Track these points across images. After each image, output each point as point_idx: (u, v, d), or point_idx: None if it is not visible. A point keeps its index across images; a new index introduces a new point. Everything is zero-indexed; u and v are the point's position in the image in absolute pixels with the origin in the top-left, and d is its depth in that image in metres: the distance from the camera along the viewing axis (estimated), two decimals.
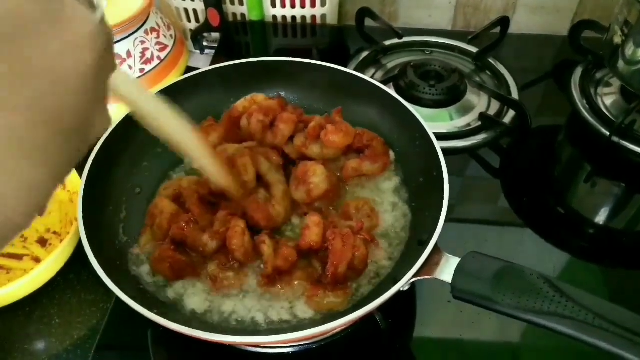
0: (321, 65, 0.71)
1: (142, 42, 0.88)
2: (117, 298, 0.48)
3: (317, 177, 0.59)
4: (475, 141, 0.79)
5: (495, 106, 0.84)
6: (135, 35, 0.86)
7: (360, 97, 0.70)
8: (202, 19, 1.03)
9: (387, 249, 0.58)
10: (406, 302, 0.62)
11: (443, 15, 1.07)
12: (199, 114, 0.65)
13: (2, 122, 0.21)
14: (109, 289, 0.48)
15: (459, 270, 0.49)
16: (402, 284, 0.49)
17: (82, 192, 0.56)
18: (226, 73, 0.71)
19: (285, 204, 0.59)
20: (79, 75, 0.24)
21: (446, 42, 0.96)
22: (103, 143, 0.60)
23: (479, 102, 0.85)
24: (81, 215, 0.54)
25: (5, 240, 0.23)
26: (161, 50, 0.90)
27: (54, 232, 0.68)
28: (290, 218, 0.61)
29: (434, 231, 0.52)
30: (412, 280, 0.50)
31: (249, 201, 0.58)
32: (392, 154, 0.67)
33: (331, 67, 0.70)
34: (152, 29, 0.90)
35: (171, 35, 0.94)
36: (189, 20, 1.05)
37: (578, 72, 0.87)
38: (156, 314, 0.47)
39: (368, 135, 0.66)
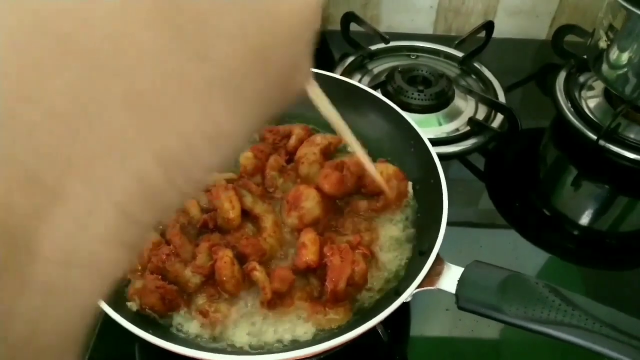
0: (317, 73, 0.69)
1: None
2: (105, 315, 0.45)
3: (309, 202, 0.57)
4: (464, 146, 0.79)
5: (483, 111, 0.84)
6: None
7: (349, 104, 0.68)
8: None
9: (387, 261, 0.57)
10: (402, 310, 0.61)
11: (425, 18, 1.07)
12: None
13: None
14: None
15: (462, 280, 0.48)
16: (405, 297, 0.48)
17: None
18: None
19: (277, 235, 0.57)
20: (300, 17, 0.21)
21: (432, 46, 0.96)
22: None
23: (466, 107, 0.86)
24: None
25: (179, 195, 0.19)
26: None
27: None
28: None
29: (435, 241, 0.51)
30: (415, 292, 0.49)
31: (236, 237, 0.55)
32: (410, 187, 0.62)
33: (318, 73, 0.69)
34: None
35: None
36: None
37: (562, 75, 0.89)
38: (151, 334, 0.45)
39: (386, 172, 0.60)
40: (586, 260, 0.70)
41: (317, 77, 0.68)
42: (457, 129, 0.82)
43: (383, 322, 0.57)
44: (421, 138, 0.61)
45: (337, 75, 0.69)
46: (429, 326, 0.61)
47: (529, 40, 1.05)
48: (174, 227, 0.55)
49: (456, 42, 0.92)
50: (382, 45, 0.94)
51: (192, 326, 0.51)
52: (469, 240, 0.69)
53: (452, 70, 0.92)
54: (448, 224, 0.68)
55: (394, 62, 0.93)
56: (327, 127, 0.65)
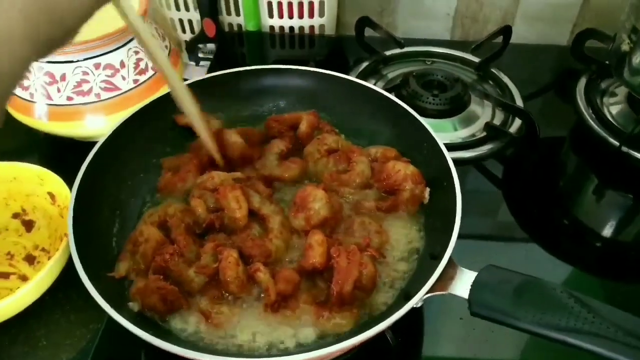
0: (319, 72, 0.68)
1: (137, 52, 0.85)
2: (109, 318, 0.44)
3: (317, 203, 0.55)
4: (480, 152, 0.77)
5: (499, 117, 0.82)
6: (129, 45, 0.84)
7: (360, 106, 0.67)
8: (197, 29, 1.01)
9: (396, 265, 0.55)
10: (414, 318, 0.58)
11: (441, 26, 1.06)
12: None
13: None
14: (100, 308, 0.45)
15: (476, 285, 0.46)
16: (415, 301, 0.46)
17: (73, 203, 0.52)
18: (223, 82, 0.68)
19: (284, 236, 0.55)
20: None
21: (448, 52, 0.94)
22: (96, 152, 0.57)
23: (482, 112, 0.83)
24: (71, 227, 0.50)
25: None
26: None
27: (43, 249, 0.65)
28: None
29: (448, 244, 0.49)
30: (425, 297, 0.47)
31: (242, 238, 0.54)
32: (427, 193, 0.59)
33: (330, 74, 0.68)
34: None
35: (166, 46, 0.92)
36: (184, 31, 1.03)
37: (582, 81, 0.86)
38: (151, 334, 0.43)
39: (404, 171, 0.59)
40: (609, 274, 0.66)
41: (327, 77, 0.68)
42: (473, 135, 0.79)
43: (394, 330, 0.55)
44: (434, 139, 0.59)
45: (345, 76, 0.68)
46: (442, 336, 0.58)
47: (547, 46, 1.02)
48: (179, 226, 0.54)
49: (473, 46, 0.90)
50: (397, 51, 0.93)
51: (194, 328, 0.50)
52: (483, 250, 0.67)
53: (469, 76, 0.90)
54: (462, 232, 0.66)
55: (409, 67, 0.91)
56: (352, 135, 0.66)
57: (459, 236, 0.50)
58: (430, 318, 0.58)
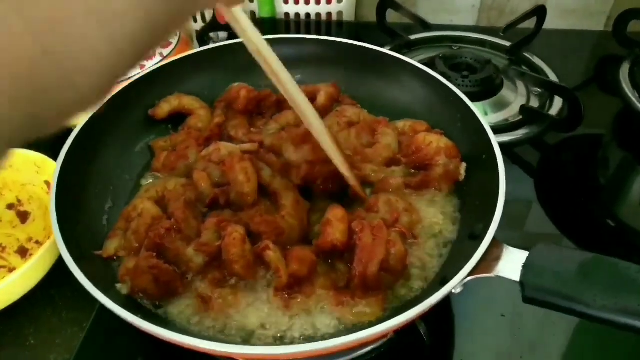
0: (340, 42, 0.62)
1: None
2: (98, 310, 0.37)
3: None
4: (515, 136, 0.70)
5: (535, 102, 0.75)
6: None
7: (385, 78, 0.61)
8: (209, 18, 0.96)
9: (428, 247, 0.47)
10: (446, 313, 0.50)
11: (466, 18, 1.00)
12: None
13: None
14: (93, 302, 0.38)
15: (529, 265, 0.38)
16: (454, 284, 0.38)
17: (58, 175, 0.46)
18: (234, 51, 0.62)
19: (298, 214, 0.48)
20: None
21: (476, 36, 0.88)
22: (89, 119, 0.51)
23: (515, 99, 0.76)
24: (54, 202, 0.44)
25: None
26: (164, 46, 0.83)
27: (37, 242, 0.60)
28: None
29: (491, 221, 0.42)
30: (467, 280, 0.39)
31: (250, 214, 0.46)
32: (464, 169, 0.53)
33: (351, 44, 0.62)
34: None
35: (175, 34, 0.87)
36: (195, 20, 0.99)
37: (625, 67, 0.78)
38: (140, 318, 0.36)
39: (436, 144, 0.52)
40: None
41: (348, 47, 0.62)
42: (506, 119, 0.72)
43: (425, 322, 0.47)
44: (470, 109, 0.52)
45: (368, 45, 0.62)
46: (478, 337, 0.50)
47: (583, 32, 0.95)
48: (178, 199, 0.47)
49: (504, 26, 0.84)
50: (421, 35, 0.87)
51: (191, 314, 0.42)
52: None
53: (499, 62, 0.83)
54: None
55: (435, 52, 0.85)
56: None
57: None
58: (463, 314, 0.50)
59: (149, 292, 0.42)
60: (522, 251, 0.40)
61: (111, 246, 0.46)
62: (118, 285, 0.43)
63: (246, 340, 0.40)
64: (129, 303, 0.42)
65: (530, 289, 0.37)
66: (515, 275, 0.38)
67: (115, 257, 0.46)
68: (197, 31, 0.98)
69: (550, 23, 0.87)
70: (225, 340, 0.40)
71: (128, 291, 0.43)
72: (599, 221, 0.64)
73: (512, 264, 0.39)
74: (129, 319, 0.37)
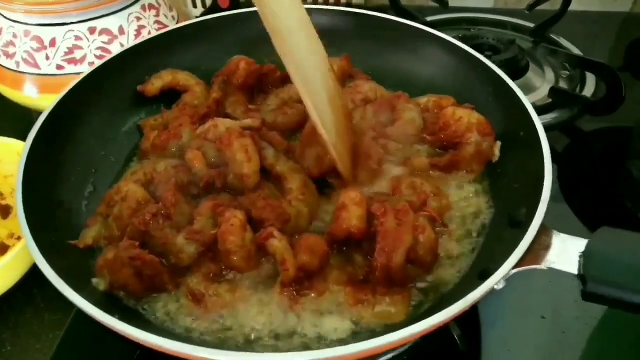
0: (352, 11, 0.58)
1: (138, 19, 0.75)
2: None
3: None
4: (543, 120, 0.63)
5: (564, 84, 0.69)
6: (130, 9, 0.74)
7: (404, 51, 0.56)
8: (209, 2, 0.91)
9: (460, 234, 0.40)
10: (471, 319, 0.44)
11: (482, 5, 0.94)
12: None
13: None
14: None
15: (590, 255, 0.32)
16: (497, 279, 0.32)
17: (27, 153, 0.40)
18: (248, 18, 0.58)
19: (307, 199, 0.41)
20: None
21: (497, 17, 0.82)
22: (66, 95, 0.45)
23: (542, 82, 0.70)
24: (20, 181, 0.38)
25: None
26: (160, 29, 0.78)
27: (18, 238, 0.54)
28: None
29: (537, 204, 0.35)
30: (512, 272, 0.32)
31: (252, 198, 0.40)
32: (498, 147, 0.46)
33: (366, 14, 0.57)
34: (151, 6, 0.78)
35: (173, 17, 0.82)
36: (195, 5, 0.94)
37: None
38: (117, 318, 0.30)
39: (467, 119, 0.45)
40: None
41: (362, 16, 0.57)
42: (533, 104, 0.65)
43: (459, 324, 0.41)
44: (504, 81, 0.47)
45: (384, 15, 0.56)
46: (514, 344, 0.43)
47: (612, 13, 0.90)
48: (168, 182, 0.41)
49: (529, 3, 0.77)
50: (438, 16, 0.81)
51: (180, 314, 0.36)
52: None
53: (522, 44, 0.77)
54: None
55: (453, 34, 0.78)
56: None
57: None
58: (493, 316, 0.44)
59: (130, 287, 0.36)
60: (578, 238, 0.33)
61: (89, 234, 0.40)
62: (94, 280, 0.37)
63: (243, 346, 0.34)
64: (106, 301, 0.36)
65: (593, 283, 0.31)
66: (572, 267, 0.32)
67: (95, 248, 0.40)
68: (196, 17, 0.93)
69: (572, 4, 0.82)
70: (219, 345, 0.33)
71: (106, 287, 0.36)
72: (633, 216, 0.57)
73: (566, 253, 0.33)
74: (103, 320, 0.30)
